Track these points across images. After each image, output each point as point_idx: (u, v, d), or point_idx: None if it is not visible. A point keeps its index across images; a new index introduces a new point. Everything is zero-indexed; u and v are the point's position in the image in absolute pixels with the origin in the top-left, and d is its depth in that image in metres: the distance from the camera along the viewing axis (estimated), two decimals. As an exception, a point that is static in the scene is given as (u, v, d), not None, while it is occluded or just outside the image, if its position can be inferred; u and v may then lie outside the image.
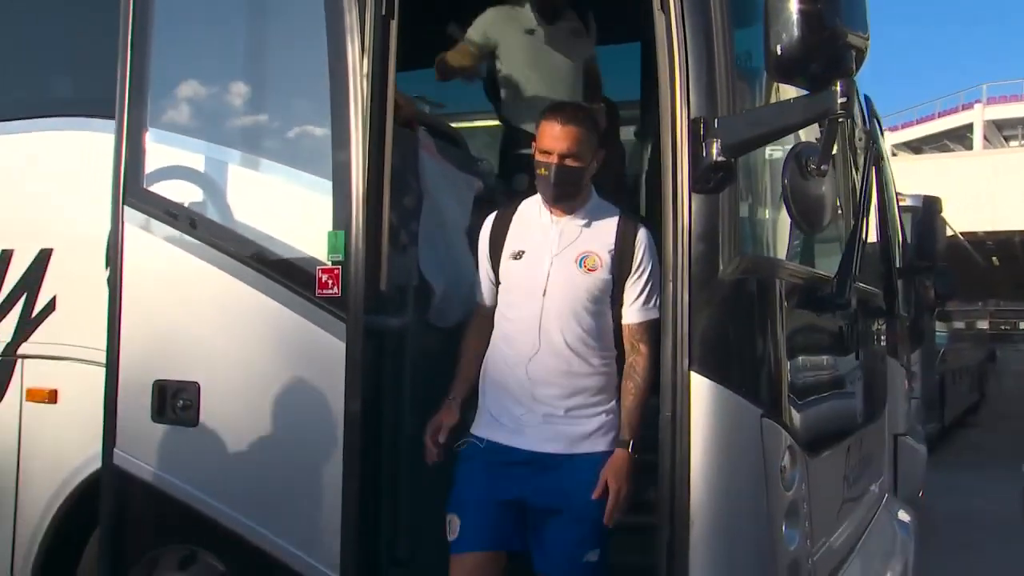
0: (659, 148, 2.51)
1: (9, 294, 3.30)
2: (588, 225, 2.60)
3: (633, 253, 2.55)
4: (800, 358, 2.70)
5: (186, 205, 2.88)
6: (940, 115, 38.58)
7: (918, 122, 38.43)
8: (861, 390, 3.45)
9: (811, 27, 2.01)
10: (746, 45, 2.43)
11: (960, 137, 37.65)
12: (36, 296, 3.25)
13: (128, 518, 2.93)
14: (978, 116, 37.14)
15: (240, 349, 2.75)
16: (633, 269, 2.55)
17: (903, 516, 4.13)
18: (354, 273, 2.52)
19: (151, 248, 2.89)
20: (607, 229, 2.59)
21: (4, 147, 3.45)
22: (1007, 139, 38.74)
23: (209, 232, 2.82)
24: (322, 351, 2.57)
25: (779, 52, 2.03)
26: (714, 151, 2.26)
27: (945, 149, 35.72)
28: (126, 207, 2.90)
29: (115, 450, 2.88)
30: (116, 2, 2.96)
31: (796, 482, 2.49)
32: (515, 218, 2.69)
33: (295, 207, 2.76)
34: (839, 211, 3.41)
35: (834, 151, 2.26)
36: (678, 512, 2.34)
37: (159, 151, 2.92)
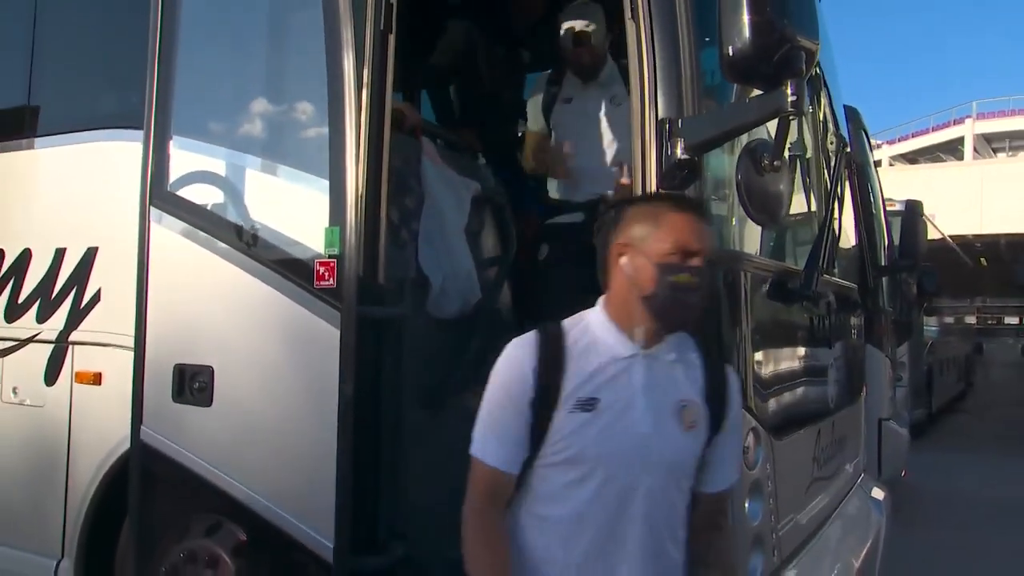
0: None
1: (62, 287, 3.31)
2: (678, 362, 1.77)
3: (726, 402, 1.79)
4: (768, 346, 2.56)
5: (203, 205, 2.82)
6: (934, 129, 37.92)
7: (914, 135, 37.75)
8: (834, 378, 3.29)
9: (760, 31, 1.89)
10: (710, 50, 2.30)
11: (952, 149, 36.92)
12: (84, 289, 3.25)
13: (156, 490, 2.87)
14: (968, 130, 36.49)
15: (248, 336, 2.68)
16: (726, 423, 1.79)
17: (877, 494, 3.95)
18: (348, 266, 2.42)
19: (173, 244, 2.83)
20: (694, 368, 1.79)
21: (60, 157, 3.45)
22: (995, 151, 37.86)
23: (223, 229, 2.75)
24: (320, 339, 2.48)
25: (731, 54, 1.91)
26: (679, 150, 2.13)
27: (938, 160, 34.94)
28: (152, 207, 2.85)
29: (142, 427, 2.83)
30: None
31: (760, 462, 2.36)
32: (570, 351, 1.72)
33: (299, 206, 2.68)
34: (812, 211, 3.26)
35: (787, 148, 2.12)
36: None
37: (181, 157, 2.85)
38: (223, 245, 2.72)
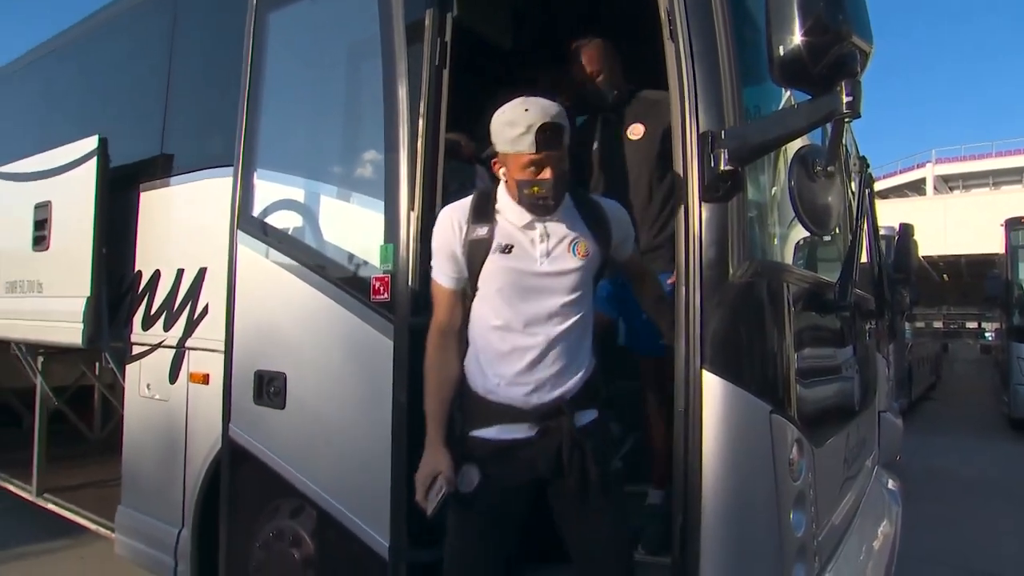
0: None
1: (181, 301, 3.02)
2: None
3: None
4: (806, 356, 1.97)
5: (279, 228, 2.41)
6: (901, 171, 36.12)
7: (884, 177, 35.81)
8: (858, 381, 2.66)
9: (813, 30, 1.34)
10: (750, 61, 1.75)
11: (916, 187, 35.04)
12: (197, 302, 2.94)
13: (244, 478, 2.47)
14: (929, 172, 34.76)
15: (315, 346, 2.24)
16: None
17: (892, 485, 3.27)
18: (401, 281, 1.96)
19: (256, 263, 2.43)
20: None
21: (182, 192, 3.13)
22: (951, 189, 35.72)
23: (295, 249, 2.33)
24: (376, 348, 2.02)
25: (782, 55, 1.36)
26: (722, 161, 1.59)
27: (904, 196, 32.99)
28: (239, 231, 2.46)
29: (230, 425, 2.42)
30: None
31: (803, 473, 1.78)
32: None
33: (360, 228, 2.24)
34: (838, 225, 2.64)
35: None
36: (691, 501, 1.67)
37: (263, 188, 2.46)
38: (295, 263, 2.31)
